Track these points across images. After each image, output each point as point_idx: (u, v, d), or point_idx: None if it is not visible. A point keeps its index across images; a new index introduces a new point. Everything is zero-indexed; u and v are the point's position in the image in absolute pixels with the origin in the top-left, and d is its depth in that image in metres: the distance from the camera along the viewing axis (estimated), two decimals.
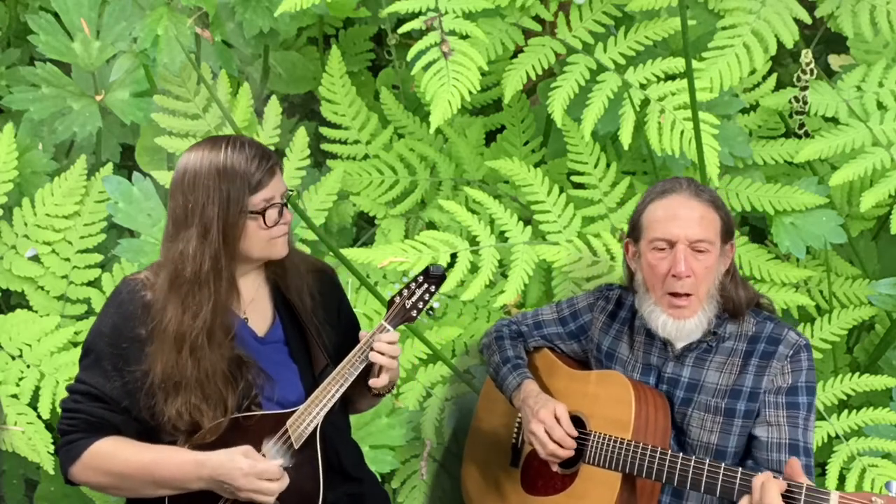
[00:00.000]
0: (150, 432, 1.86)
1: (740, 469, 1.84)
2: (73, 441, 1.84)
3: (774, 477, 1.77)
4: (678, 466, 1.92)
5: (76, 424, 1.85)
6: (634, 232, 2.13)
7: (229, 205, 1.82)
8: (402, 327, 2.01)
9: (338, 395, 1.91)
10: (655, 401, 2.09)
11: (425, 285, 2.02)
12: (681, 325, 2.05)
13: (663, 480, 1.95)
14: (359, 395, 2.07)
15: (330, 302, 2.08)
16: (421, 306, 2.01)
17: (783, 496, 1.74)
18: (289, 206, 1.93)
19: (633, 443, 2.00)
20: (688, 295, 2.02)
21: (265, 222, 1.86)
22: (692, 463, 1.91)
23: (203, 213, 1.82)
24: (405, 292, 2.01)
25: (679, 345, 2.11)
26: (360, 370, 1.94)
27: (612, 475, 2.02)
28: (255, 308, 1.98)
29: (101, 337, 1.87)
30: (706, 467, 1.88)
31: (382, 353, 1.93)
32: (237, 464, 1.78)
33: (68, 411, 1.87)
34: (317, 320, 2.01)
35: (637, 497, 2.03)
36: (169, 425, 1.83)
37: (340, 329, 2.08)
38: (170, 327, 1.82)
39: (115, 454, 1.82)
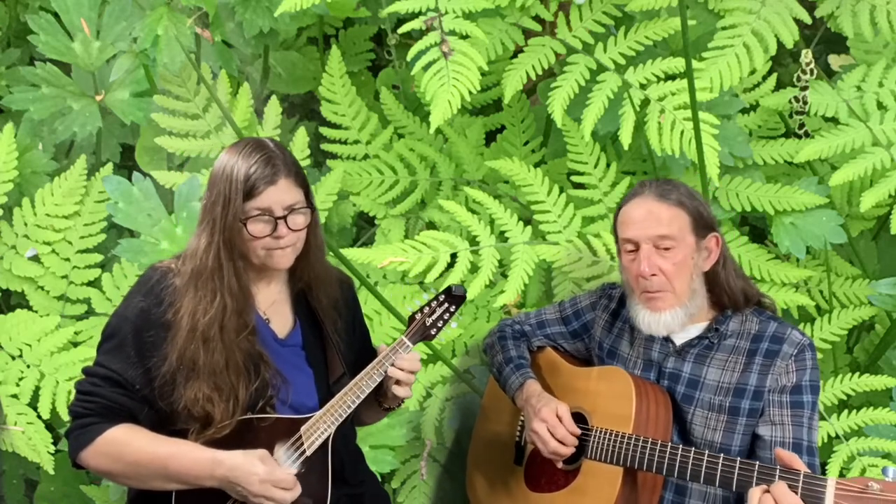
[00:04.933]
0: (165, 423, 1.85)
1: (739, 459, 1.84)
2: (87, 425, 1.82)
3: (768, 474, 1.76)
4: (678, 458, 1.93)
5: (92, 408, 1.82)
6: (616, 236, 2.20)
7: (227, 207, 1.82)
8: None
9: (354, 406, 1.93)
10: (656, 395, 2.09)
11: (446, 304, 2.05)
12: (657, 318, 2.08)
13: (664, 472, 1.95)
14: (366, 408, 2.08)
15: (348, 313, 2.09)
16: (440, 325, 2.04)
17: None
18: (289, 219, 1.85)
19: (633, 436, 2.01)
20: (661, 291, 2.06)
21: (248, 232, 1.84)
22: (692, 454, 1.91)
23: (212, 211, 1.84)
24: (426, 310, 2.04)
25: (679, 340, 2.13)
26: (377, 383, 1.95)
27: (613, 470, 2.02)
28: (277, 310, 1.98)
29: (127, 322, 1.85)
30: (705, 458, 1.89)
31: (402, 369, 1.95)
32: (254, 468, 1.77)
33: (84, 394, 1.84)
34: (336, 330, 2.02)
35: (639, 491, 2.04)
36: (185, 412, 1.82)
37: (355, 340, 2.10)
38: (185, 316, 1.83)
39: (129, 442, 1.80)
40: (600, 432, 2.07)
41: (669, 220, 2.07)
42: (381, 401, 2.04)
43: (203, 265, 1.84)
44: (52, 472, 2.48)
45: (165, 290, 1.87)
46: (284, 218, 1.85)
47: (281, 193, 1.84)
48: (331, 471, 1.91)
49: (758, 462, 1.80)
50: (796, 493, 1.66)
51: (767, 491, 1.69)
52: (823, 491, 1.64)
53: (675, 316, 2.08)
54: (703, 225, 2.11)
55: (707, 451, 1.90)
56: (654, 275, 2.05)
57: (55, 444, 2.48)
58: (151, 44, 2.59)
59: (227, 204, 1.82)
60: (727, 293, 2.12)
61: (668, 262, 2.06)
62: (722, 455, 1.87)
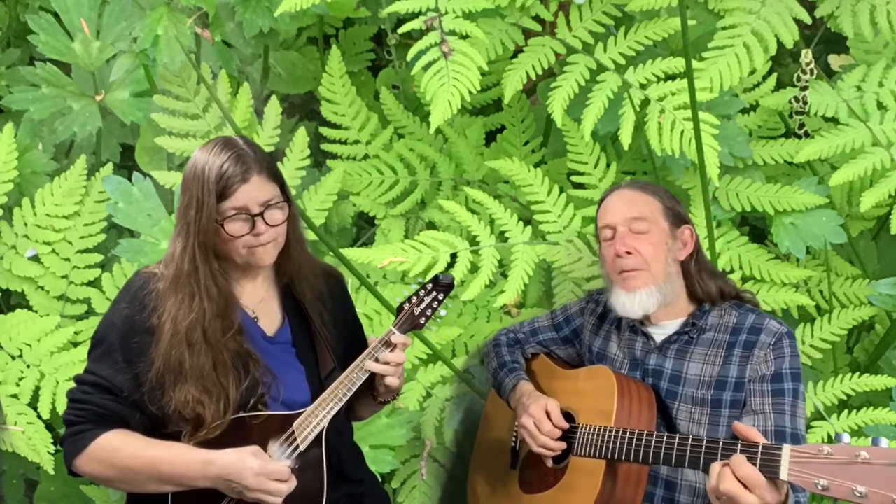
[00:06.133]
0: (157, 427, 1.85)
1: (706, 438, 1.84)
2: (80, 432, 1.83)
3: (730, 449, 1.77)
4: (652, 443, 1.93)
5: (84, 415, 1.83)
6: (597, 238, 2.27)
7: (200, 210, 1.82)
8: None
9: (345, 399, 1.92)
10: (640, 392, 2.10)
11: (434, 293, 2.03)
12: (632, 297, 2.11)
13: (640, 460, 1.96)
14: (362, 402, 2.08)
15: (337, 306, 2.08)
16: (429, 314, 2.03)
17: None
18: (266, 215, 1.85)
19: (612, 429, 2.02)
20: (636, 270, 2.11)
21: (226, 233, 1.84)
22: (664, 439, 1.92)
23: (185, 215, 1.84)
24: (414, 299, 2.03)
25: (659, 337, 2.15)
26: (367, 374, 1.95)
27: (596, 464, 2.03)
28: (265, 308, 1.98)
29: (113, 328, 1.86)
30: (676, 441, 1.89)
31: (387, 362, 1.94)
32: (247, 463, 1.78)
33: (76, 401, 1.85)
34: (325, 324, 2.02)
35: (622, 484, 2.04)
36: (175, 415, 1.82)
37: (346, 333, 2.09)
38: (168, 320, 1.83)
39: (121, 448, 1.81)
40: (585, 428, 2.09)
41: (642, 204, 2.17)
42: (374, 395, 2.04)
43: (180, 269, 1.84)
44: (52, 472, 2.48)
45: (148, 295, 1.87)
46: (261, 214, 1.85)
47: (254, 190, 1.84)
48: (327, 465, 1.91)
49: (721, 439, 1.81)
50: (755, 464, 1.67)
51: (727, 465, 1.70)
52: (779, 458, 1.65)
53: (650, 294, 2.11)
54: (676, 215, 2.19)
55: (678, 435, 1.90)
56: (629, 252, 2.11)
57: (55, 444, 2.47)
58: (151, 44, 2.59)
59: (200, 207, 1.82)
60: (701, 286, 2.17)
61: (644, 243, 2.13)
62: (690, 437, 1.87)
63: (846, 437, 1.61)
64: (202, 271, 1.84)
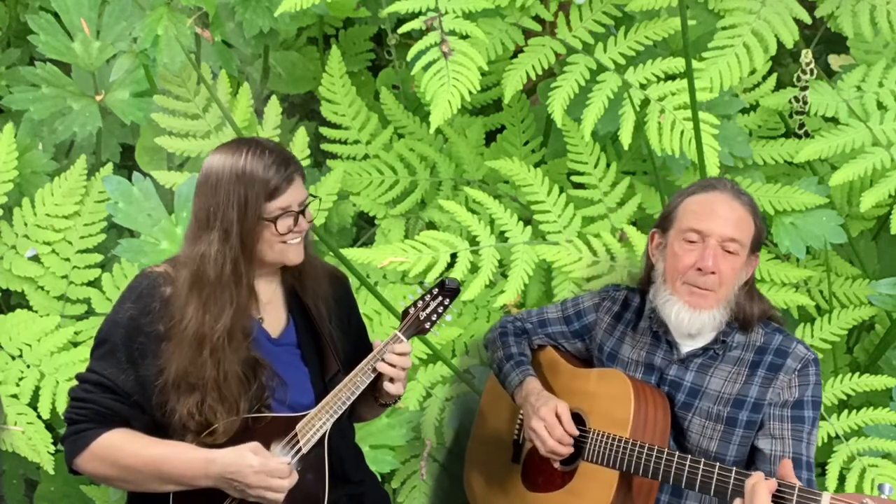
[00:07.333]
0: (159, 427, 1.85)
1: (734, 469, 1.84)
2: (82, 431, 1.83)
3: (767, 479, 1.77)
4: (674, 465, 1.92)
5: (85, 414, 1.83)
6: (665, 223, 2.14)
7: (247, 210, 1.83)
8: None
9: (349, 402, 1.93)
10: (655, 399, 2.09)
11: (440, 298, 2.04)
12: (695, 316, 2.04)
13: (659, 478, 1.95)
14: (364, 404, 2.08)
15: (342, 309, 2.09)
16: (434, 319, 2.03)
17: (774, 497, 1.73)
18: (306, 213, 1.93)
19: (630, 441, 2.00)
20: (709, 290, 2.04)
21: (276, 230, 1.87)
22: (687, 462, 1.91)
23: (224, 216, 1.83)
24: (420, 304, 2.03)
25: (685, 349, 2.12)
26: (371, 378, 1.95)
27: (609, 473, 2.02)
28: (270, 310, 1.98)
29: (117, 328, 1.85)
30: (701, 466, 1.88)
31: (394, 365, 1.94)
32: (247, 461, 1.78)
33: (78, 400, 1.85)
34: (330, 325, 2.02)
35: (634, 495, 2.04)
36: (179, 424, 1.82)
37: (350, 336, 2.10)
38: (190, 327, 1.82)
39: (123, 447, 1.81)
40: (598, 435, 2.07)
41: (745, 226, 2.06)
42: (377, 396, 2.04)
43: (216, 273, 1.83)
44: (52, 472, 2.48)
45: (154, 299, 1.86)
46: (302, 212, 1.90)
47: (297, 190, 1.89)
48: (329, 467, 1.91)
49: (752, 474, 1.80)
50: None
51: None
52: None
53: (712, 317, 2.05)
54: (757, 240, 2.10)
55: (703, 460, 1.89)
56: (713, 272, 2.02)
57: (55, 443, 2.48)
58: (151, 44, 2.59)
59: (244, 207, 1.83)
60: (745, 313, 2.11)
61: (728, 266, 2.04)
62: (718, 464, 1.87)
63: (888, 488, 1.59)
64: (245, 275, 1.85)
